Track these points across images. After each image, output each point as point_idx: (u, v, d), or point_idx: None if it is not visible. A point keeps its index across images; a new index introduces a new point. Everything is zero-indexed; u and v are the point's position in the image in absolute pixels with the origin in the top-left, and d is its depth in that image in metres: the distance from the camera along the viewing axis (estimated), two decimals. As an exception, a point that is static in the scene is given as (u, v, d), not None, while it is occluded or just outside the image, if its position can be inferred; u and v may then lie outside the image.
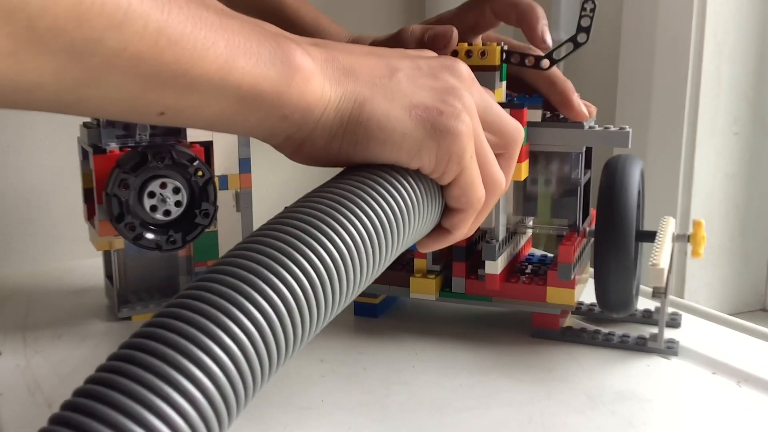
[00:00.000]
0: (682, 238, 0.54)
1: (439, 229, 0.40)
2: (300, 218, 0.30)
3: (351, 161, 0.35)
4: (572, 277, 0.53)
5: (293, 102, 0.32)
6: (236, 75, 0.30)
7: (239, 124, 0.32)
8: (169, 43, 0.27)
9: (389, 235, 0.33)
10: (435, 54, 0.39)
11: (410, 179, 0.35)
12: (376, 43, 0.55)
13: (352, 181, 0.33)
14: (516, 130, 0.39)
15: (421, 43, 0.50)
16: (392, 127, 0.34)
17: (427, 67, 0.36)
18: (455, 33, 0.50)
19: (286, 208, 0.32)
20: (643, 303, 0.60)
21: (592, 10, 0.48)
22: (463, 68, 0.37)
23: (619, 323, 0.59)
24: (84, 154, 0.61)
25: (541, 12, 0.51)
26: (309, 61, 0.33)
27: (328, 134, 0.34)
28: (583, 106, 0.54)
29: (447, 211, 0.39)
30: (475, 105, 0.36)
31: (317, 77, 0.33)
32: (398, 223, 0.33)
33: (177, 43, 0.27)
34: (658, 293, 0.51)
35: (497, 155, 0.39)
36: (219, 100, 0.30)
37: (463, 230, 0.40)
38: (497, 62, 0.51)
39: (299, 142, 0.35)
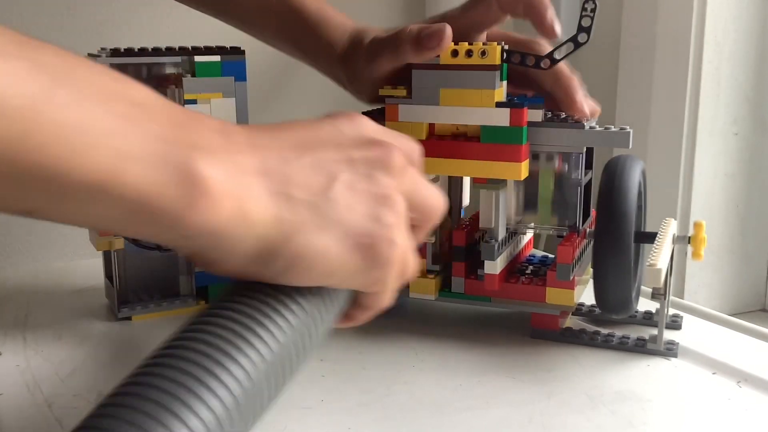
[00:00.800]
0: (683, 240, 0.54)
1: (350, 311, 0.38)
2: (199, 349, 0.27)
3: (271, 282, 0.32)
4: (571, 277, 0.53)
5: (196, 225, 0.28)
6: (122, 188, 0.26)
7: (134, 233, 0.29)
8: (38, 146, 0.24)
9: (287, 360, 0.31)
10: (369, 136, 0.35)
11: (312, 302, 0.32)
12: (376, 39, 0.55)
13: (248, 309, 0.30)
14: (438, 208, 0.38)
15: (418, 42, 0.50)
16: (323, 263, 0.31)
17: (363, 165, 0.33)
18: (448, 31, 0.49)
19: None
20: (644, 304, 0.60)
21: (593, 10, 0.48)
22: (396, 158, 0.34)
23: (620, 324, 0.59)
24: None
25: (548, 1, 0.51)
26: (222, 178, 0.28)
27: (243, 260, 0.30)
28: (586, 106, 0.54)
29: (358, 299, 0.37)
30: (404, 202, 0.34)
31: (230, 199, 0.28)
32: (296, 348, 0.32)
33: (49, 146, 0.24)
34: (657, 294, 0.51)
35: (412, 225, 0.37)
36: (102, 210, 0.27)
37: (365, 320, 0.38)
38: (497, 62, 0.51)
39: (210, 261, 0.31)
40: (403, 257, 0.34)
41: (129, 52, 0.58)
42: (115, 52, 0.58)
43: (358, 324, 0.38)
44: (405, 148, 0.37)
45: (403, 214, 0.34)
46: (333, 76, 0.60)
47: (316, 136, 0.34)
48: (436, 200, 0.38)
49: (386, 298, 0.36)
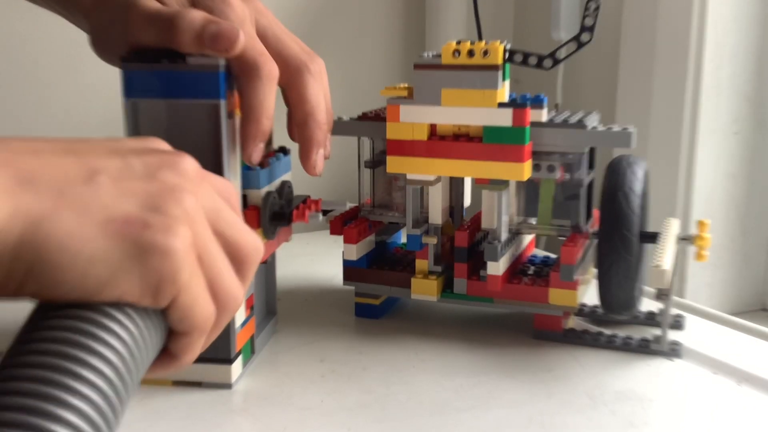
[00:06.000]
0: (686, 240, 0.54)
1: (164, 354, 0.32)
2: None
3: (22, 295, 0.27)
4: (574, 278, 0.53)
5: None
6: None
7: None
8: None
9: None
10: (157, 146, 0.32)
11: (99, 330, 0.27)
12: (146, 11, 0.44)
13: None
14: (253, 247, 0.32)
15: (201, 39, 0.42)
16: (77, 248, 0.26)
17: (142, 166, 0.29)
18: (241, 37, 0.42)
19: None
20: (647, 305, 0.60)
21: (596, 10, 0.48)
22: (189, 164, 0.30)
23: (622, 325, 0.58)
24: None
25: (322, 138, 0.48)
26: None
27: None
28: (320, 163, 0.49)
29: (171, 333, 0.31)
30: (202, 209, 0.30)
31: None
32: None
33: None
34: (662, 295, 0.51)
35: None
36: None
37: (193, 354, 0.32)
38: (499, 62, 0.51)
39: None
40: (207, 266, 0.30)
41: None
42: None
43: (169, 371, 0.32)
44: (216, 182, 0.33)
45: (197, 215, 0.29)
46: (77, 24, 0.51)
47: (88, 143, 0.30)
48: (250, 237, 0.32)
49: (197, 323, 0.30)
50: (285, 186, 0.53)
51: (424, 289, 0.56)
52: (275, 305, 0.58)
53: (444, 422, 0.45)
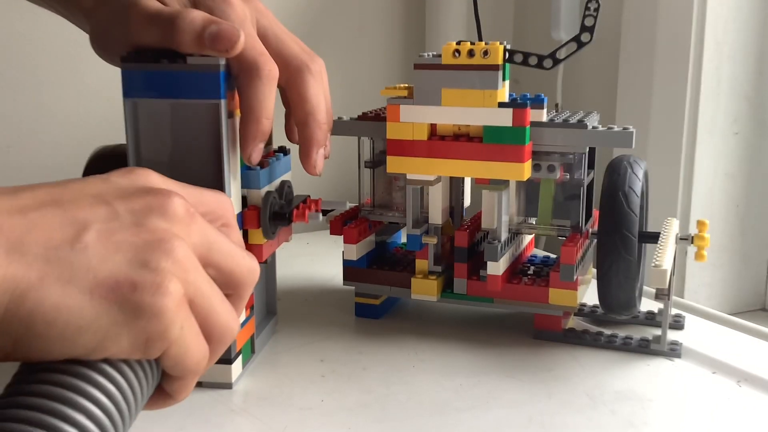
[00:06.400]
0: (686, 240, 0.54)
1: (159, 392, 0.32)
2: None
3: (10, 360, 0.27)
4: (575, 278, 0.53)
5: None
6: None
7: None
8: None
9: None
10: (144, 182, 0.31)
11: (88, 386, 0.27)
12: (146, 11, 0.43)
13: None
14: (248, 271, 0.33)
15: (201, 40, 0.42)
16: (64, 320, 0.26)
17: (129, 214, 0.29)
18: (242, 38, 0.42)
19: None
20: (647, 304, 0.60)
21: (596, 10, 0.48)
22: (177, 205, 0.30)
23: (623, 325, 0.58)
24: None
25: (322, 138, 0.48)
26: None
27: None
28: (320, 163, 0.49)
29: (165, 374, 0.31)
30: (193, 251, 0.30)
31: None
32: None
33: None
34: (661, 295, 0.51)
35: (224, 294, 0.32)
36: None
37: (188, 392, 0.33)
38: (499, 62, 0.51)
39: None
40: (201, 309, 0.30)
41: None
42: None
43: (163, 407, 0.33)
44: (209, 202, 0.33)
45: (188, 262, 0.29)
46: (77, 24, 0.51)
47: (72, 190, 0.29)
48: (246, 263, 0.33)
49: (190, 367, 0.30)
50: (285, 186, 0.53)
51: (424, 289, 0.57)
52: (275, 305, 0.58)
53: (444, 422, 0.45)
